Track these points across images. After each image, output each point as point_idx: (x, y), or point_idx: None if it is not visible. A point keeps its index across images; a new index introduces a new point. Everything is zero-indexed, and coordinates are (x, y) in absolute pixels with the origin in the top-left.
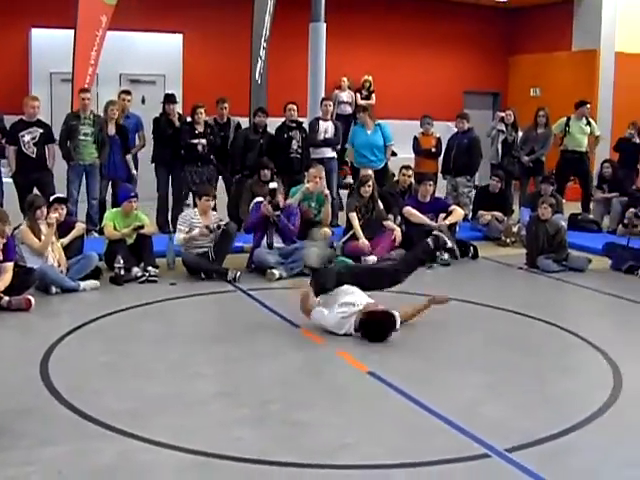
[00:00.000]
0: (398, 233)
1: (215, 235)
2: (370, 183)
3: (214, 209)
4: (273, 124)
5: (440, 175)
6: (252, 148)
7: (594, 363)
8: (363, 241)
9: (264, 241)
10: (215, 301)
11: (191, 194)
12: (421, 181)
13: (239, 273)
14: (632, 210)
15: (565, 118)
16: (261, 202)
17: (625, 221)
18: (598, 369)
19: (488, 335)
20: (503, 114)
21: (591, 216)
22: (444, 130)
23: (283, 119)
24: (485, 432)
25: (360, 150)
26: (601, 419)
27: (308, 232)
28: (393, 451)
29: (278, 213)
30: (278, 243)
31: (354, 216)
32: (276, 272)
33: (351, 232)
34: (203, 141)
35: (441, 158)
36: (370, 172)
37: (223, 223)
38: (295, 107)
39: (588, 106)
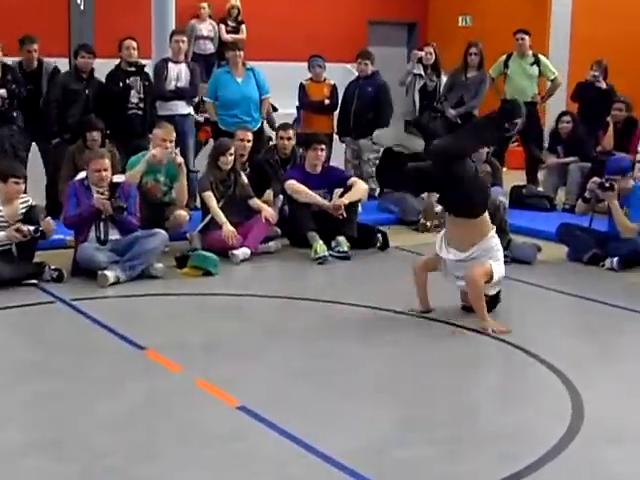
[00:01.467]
0: (268, 212)
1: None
2: (232, 151)
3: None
4: (103, 68)
5: (336, 137)
6: (74, 101)
7: (547, 386)
8: (227, 227)
9: (93, 234)
10: (25, 317)
11: None
12: (309, 145)
13: (56, 274)
14: (596, 180)
15: (505, 56)
16: (83, 180)
17: (586, 194)
18: (552, 394)
19: (403, 352)
20: (422, 53)
21: (541, 189)
22: (341, 75)
23: (117, 61)
24: None
25: (229, 106)
26: (557, 461)
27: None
28: None
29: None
30: (113, 235)
31: (210, 196)
32: (110, 275)
33: (209, 217)
34: (1, 91)
35: (337, 113)
36: (249, 135)
37: (40, 228)
38: (134, 44)
39: (524, 36)
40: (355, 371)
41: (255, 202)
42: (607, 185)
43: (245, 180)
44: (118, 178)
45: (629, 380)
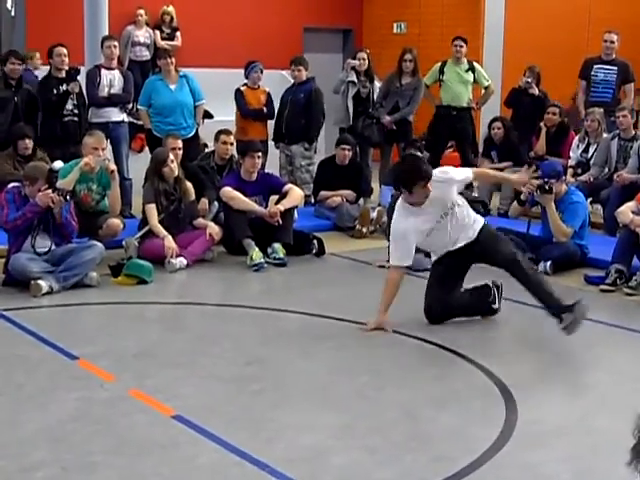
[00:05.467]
0: (214, 229)
1: None
2: (171, 158)
3: None
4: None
5: (272, 143)
6: (3, 109)
7: (481, 390)
8: (169, 242)
9: (28, 243)
10: None
11: None
12: (246, 152)
13: None
14: (534, 182)
15: (440, 63)
16: (18, 188)
17: (522, 197)
18: (486, 398)
19: (338, 359)
20: (355, 62)
21: (475, 194)
22: (277, 82)
23: (48, 68)
24: None
25: (163, 113)
26: (489, 465)
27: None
28: None
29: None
30: (46, 246)
31: (152, 209)
32: (43, 284)
33: (147, 228)
34: None
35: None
36: (180, 143)
37: None
38: (65, 51)
39: (462, 44)
40: (290, 378)
41: (200, 222)
42: (546, 188)
43: (189, 184)
44: (57, 164)
45: (562, 384)
